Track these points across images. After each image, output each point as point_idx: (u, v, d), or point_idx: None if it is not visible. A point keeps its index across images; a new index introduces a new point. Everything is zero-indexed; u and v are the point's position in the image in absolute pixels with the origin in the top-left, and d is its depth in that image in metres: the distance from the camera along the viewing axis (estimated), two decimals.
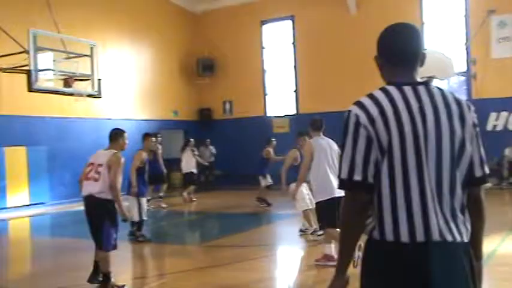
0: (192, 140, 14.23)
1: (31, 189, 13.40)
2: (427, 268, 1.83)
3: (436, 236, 1.84)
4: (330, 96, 16.28)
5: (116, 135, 5.74)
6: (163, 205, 12.91)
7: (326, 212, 5.94)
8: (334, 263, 6.05)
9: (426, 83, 1.97)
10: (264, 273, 6.45)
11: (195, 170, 13.85)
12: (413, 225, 1.84)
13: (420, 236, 1.83)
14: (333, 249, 6.11)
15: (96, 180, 5.35)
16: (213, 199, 14.58)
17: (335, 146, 6.17)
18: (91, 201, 5.37)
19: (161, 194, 13.13)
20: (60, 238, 10.06)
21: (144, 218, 8.36)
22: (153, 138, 8.76)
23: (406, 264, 1.85)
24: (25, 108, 13.26)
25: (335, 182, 5.81)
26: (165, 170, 12.59)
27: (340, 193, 6.01)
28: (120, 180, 5.41)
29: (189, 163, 13.65)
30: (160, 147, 12.58)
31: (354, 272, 2.00)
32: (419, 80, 2.00)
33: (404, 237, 1.84)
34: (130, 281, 6.22)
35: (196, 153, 14.15)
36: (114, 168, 5.35)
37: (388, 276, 1.87)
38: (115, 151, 5.56)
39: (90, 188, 5.37)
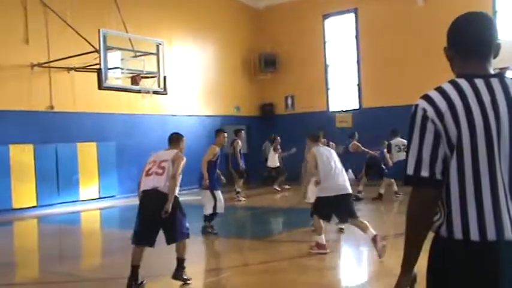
0: (278, 138, 15.36)
1: (101, 183, 13.99)
2: (497, 268, 1.76)
3: (508, 235, 1.76)
4: (394, 91, 15.89)
5: (178, 139, 5.95)
6: (242, 198, 13.30)
7: (323, 207, 6.86)
8: (324, 251, 6.65)
9: (500, 75, 1.88)
10: (325, 270, 6.41)
11: (278, 164, 15.17)
12: (484, 223, 1.77)
13: (491, 235, 1.76)
14: (323, 238, 6.90)
15: (160, 174, 5.41)
16: (276, 194, 14.64)
17: (333, 152, 7.34)
18: (155, 195, 5.34)
19: (238, 189, 13.48)
20: (128, 230, 10.45)
21: (219, 211, 8.44)
22: (225, 134, 8.96)
23: (475, 263, 1.79)
24: (96, 105, 13.84)
25: (338, 181, 6.81)
26: (234, 167, 13.25)
27: (345, 191, 6.73)
28: (180, 177, 5.52)
29: (272, 158, 15.01)
30: (240, 142, 13.04)
31: (421, 269, 1.94)
32: (492, 72, 1.91)
33: (474, 235, 1.78)
34: (193, 274, 6.37)
35: (278, 148, 15.31)
36: (178, 162, 5.46)
37: (455, 276, 1.82)
38: (178, 150, 5.72)
39: (154, 182, 5.39)
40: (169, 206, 5.26)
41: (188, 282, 5.60)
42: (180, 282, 5.57)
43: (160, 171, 5.43)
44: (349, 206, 6.82)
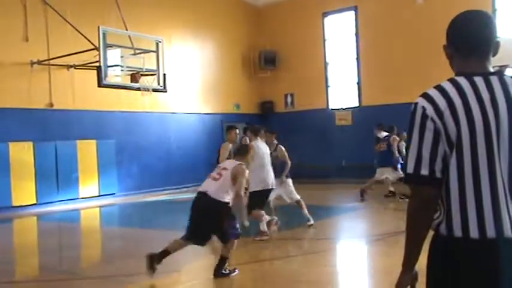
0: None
1: (100, 181, 13.97)
2: (497, 266, 1.76)
3: (508, 233, 1.77)
4: (394, 88, 15.87)
5: (243, 152, 6.22)
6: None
7: (257, 199, 7.64)
8: (266, 237, 7.23)
9: (499, 73, 1.88)
10: (326, 267, 6.41)
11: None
12: (483, 220, 1.77)
13: (491, 232, 1.77)
14: (265, 226, 7.59)
15: (216, 179, 5.64)
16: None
17: (267, 149, 8.02)
18: (204, 199, 5.57)
19: (245, 186, 13.45)
20: (127, 228, 10.46)
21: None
22: (237, 130, 8.99)
23: (474, 261, 1.79)
24: (95, 103, 13.83)
25: (268, 176, 7.69)
26: None
27: (272, 186, 7.54)
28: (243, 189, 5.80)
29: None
30: (247, 139, 13.00)
31: (422, 267, 1.95)
32: (491, 70, 1.91)
33: (474, 233, 1.78)
34: (194, 271, 6.39)
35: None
36: (240, 179, 5.67)
37: (455, 274, 1.82)
38: (242, 163, 5.89)
39: (208, 185, 5.65)
40: (243, 219, 5.70)
41: (232, 275, 5.71)
42: (179, 281, 5.57)
43: (217, 177, 5.68)
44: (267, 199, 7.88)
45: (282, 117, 18.80)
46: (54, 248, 8.67)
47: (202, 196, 5.58)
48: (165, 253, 5.56)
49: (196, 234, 5.59)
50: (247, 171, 5.84)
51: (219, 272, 5.66)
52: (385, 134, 12.22)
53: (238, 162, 5.85)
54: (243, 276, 5.94)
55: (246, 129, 13.58)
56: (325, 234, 8.30)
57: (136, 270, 6.21)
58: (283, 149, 9.00)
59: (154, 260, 5.49)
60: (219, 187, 5.55)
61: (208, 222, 5.53)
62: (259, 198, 7.68)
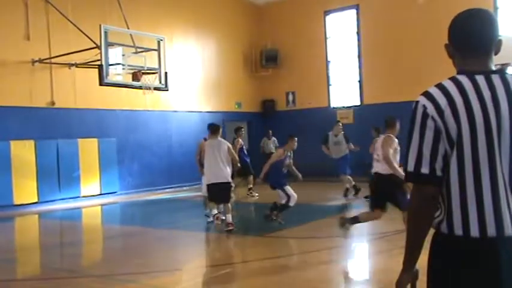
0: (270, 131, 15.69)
1: (102, 179, 13.98)
2: (497, 265, 1.76)
3: (508, 231, 1.77)
4: (395, 87, 15.85)
5: (393, 122, 6.91)
6: (256, 194, 13.26)
7: (212, 192, 8.41)
8: (232, 227, 7.89)
9: (501, 71, 1.88)
10: (326, 266, 6.41)
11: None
12: (484, 219, 1.77)
13: (491, 231, 1.77)
14: (230, 218, 8.28)
15: (377, 161, 6.66)
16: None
17: (224, 146, 8.41)
18: (376, 176, 6.65)
19: (250, 186, 13.45)
20: (128, 226, 10.47)
21: (291, 204, 8.78)
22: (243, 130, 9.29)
23: (475, 260, 1.79)
24: (97, 101, 13.83)
25: (219, 171, 8.26)
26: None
27: (217, 180, 8.04)
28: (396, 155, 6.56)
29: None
30: (240, 141, 12.98)
31: (423, 266, 1.95)
32: (493, 68, 1.91)
33: (474, 232, 1.78)
34: (197, 269, 6.39)
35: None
36: (386, 147, 6.45)
37: (456, 272, 1.82)
38: (389, 134, 6.68)
39: (375, 167, 6.69)
40: (399, 174, 6.21)
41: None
42: (181, 280, 5.56)
43: (377, 157, 6.66)
44: (222, 193, 8.32)
45: (283, 116, 18.79)
46: (55, 246, 8.68)
47: (375, 175, 6.65)
48: (356, 220, 6.80)
49: (382, 203, 6.54)
50: (394, 140, 6.51)
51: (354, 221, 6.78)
52: None
53: (385, 136, 6.65)
54: (242, 275, 5.94)
55: (237, 129, 13.38)
56: (326, 232, 8.29)
57: (137, 269, 6.23)
58: (239, 141, 10.68)
59: (346, 222, 6.80)
60: (381, 165, 6.50)
61: (384, 194, 6.51)
62: (212, 192, 8.44)
